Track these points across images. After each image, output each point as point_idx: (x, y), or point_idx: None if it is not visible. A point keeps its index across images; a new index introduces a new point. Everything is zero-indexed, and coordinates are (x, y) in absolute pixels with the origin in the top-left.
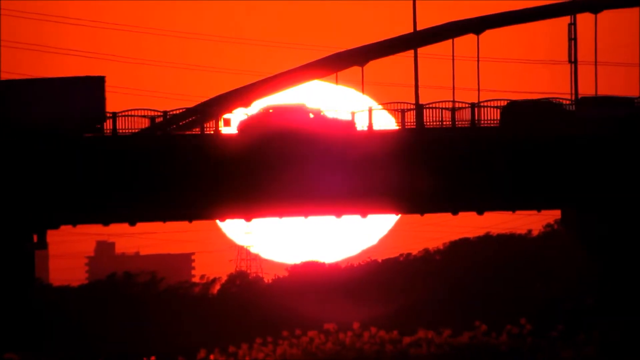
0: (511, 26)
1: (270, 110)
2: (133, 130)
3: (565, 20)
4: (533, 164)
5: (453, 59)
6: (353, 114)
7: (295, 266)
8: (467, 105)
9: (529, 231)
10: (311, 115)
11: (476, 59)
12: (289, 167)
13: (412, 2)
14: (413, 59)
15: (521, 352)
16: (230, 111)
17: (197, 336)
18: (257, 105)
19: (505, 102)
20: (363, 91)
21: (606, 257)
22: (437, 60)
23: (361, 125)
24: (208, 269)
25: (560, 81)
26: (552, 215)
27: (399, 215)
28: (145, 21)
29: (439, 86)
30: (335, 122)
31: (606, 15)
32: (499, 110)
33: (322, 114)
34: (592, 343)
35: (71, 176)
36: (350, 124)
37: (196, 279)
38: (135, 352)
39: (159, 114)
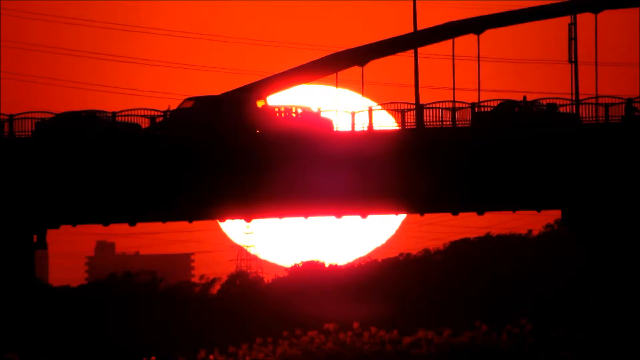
0: (511, 26)
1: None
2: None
3: (565, 20)
4: (533, 164)
5: (453, 59)
6: (353, 113)
7: (295, 266)
8: (467, 105)
9: (529, 231)
10: (299, 111)
11: (476, 59)
12: (290, 168)
13: (412, 2)
14: (413, 59)
15: (521, 352)
16: None
17: (197, 336)
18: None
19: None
20: (363, 92)
21: (606, 257)
22: (437, 60)
23: (359, 124)
24: (208, 269)
25: (560, 81)
26: (552, 215)
27: (405, 215)
28: (145, 21)
29: (439, 86)
30: (317, 119)
31: (606, 15)
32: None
33: (308, 111)
34: (592, 343)
35: (71, 176)
36: (329, 123)
37: (196, 279)
38: (135, 352)
39: (159, 114)
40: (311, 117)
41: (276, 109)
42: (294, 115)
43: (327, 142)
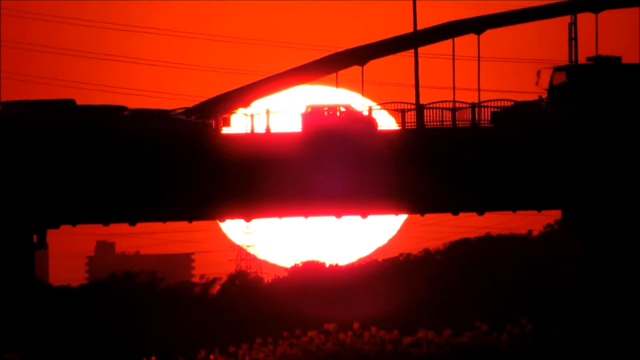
0: (511, 26)
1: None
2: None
3: (565, 20)
4: (533, 164)
5: (453, 59)
6: (370, 109)
7: (295, 266)
8: (467, 105)
9: (529, 231)
10: (342, 109)
11: (476, 59)
12: (290, 168)
13: (412, 2)
14: (413, 59)
15: (521, 352)
16: (230, 111)
17: (197, 336)
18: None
19: (507, 103)
20: (363, 92)
21: (606, 258)
22: (437, 60)
23: (382, 123)
24: (208, 269)
25: None
26: (552, 215)
27: (406, 216)
28: (145, 21)
29: (439, 86)
30: (360, 117)
31: (606, 15)
32: (499, 110)
33: (351, 108)
34: (592, 343)
35: (72, 176)
36: (372, 121)
37: (196, 279)
38: (135, 352)
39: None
40: (355, 116)
41: (324, 108)
42: (338, 114)
43: (373, 141)
